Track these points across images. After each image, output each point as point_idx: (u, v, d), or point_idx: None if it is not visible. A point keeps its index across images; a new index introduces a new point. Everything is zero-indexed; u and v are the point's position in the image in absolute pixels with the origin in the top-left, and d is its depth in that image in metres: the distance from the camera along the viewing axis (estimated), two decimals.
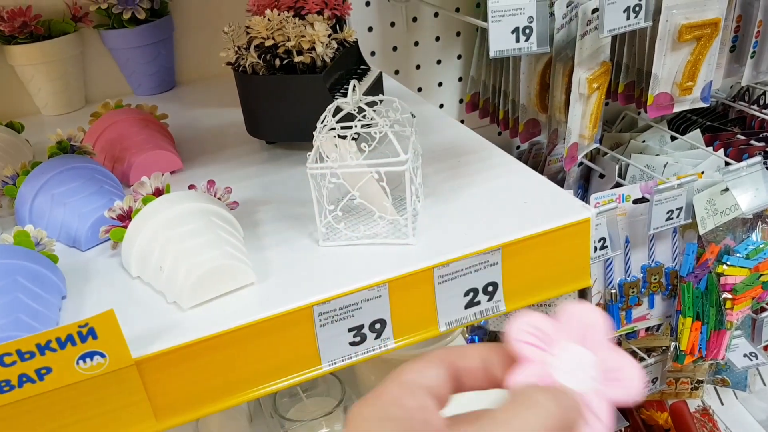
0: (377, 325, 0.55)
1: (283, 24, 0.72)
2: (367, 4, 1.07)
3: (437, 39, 1.14)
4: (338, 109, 0.58)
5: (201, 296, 0.52)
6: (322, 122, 0.57)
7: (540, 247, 0.58)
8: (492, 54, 0.82)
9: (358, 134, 0.58)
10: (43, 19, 0.88)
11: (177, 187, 0.67)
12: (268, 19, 0.72)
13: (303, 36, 0.70)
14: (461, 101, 1.21)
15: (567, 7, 0.94)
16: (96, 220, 0.61)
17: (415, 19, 1.11)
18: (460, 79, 1.19)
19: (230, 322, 0.51)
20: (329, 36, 0.73)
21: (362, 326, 0.55)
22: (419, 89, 1.17)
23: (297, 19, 0.73)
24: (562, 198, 0.62)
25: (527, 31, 0.82)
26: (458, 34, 1.15)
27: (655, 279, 1.12)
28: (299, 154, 0.76)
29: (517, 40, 0.82)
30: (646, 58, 1.01)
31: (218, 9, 0.98)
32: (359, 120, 0.57)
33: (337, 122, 0.58)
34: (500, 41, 0.81)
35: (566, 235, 0.58)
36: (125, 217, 0.58)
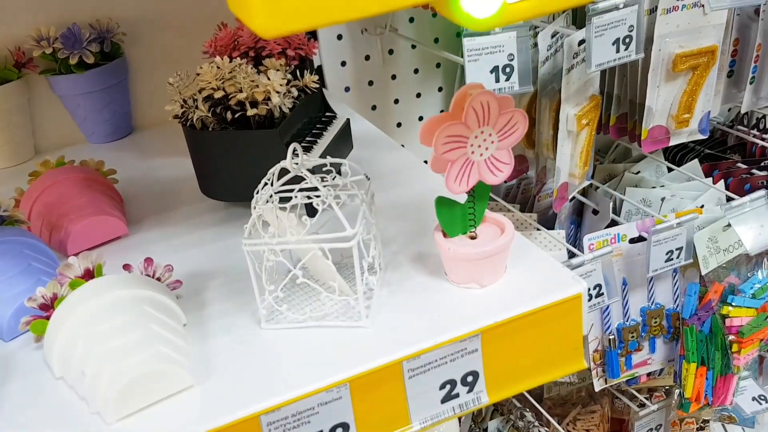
0: (339, 431, 0.47)
1: (234, 73, 0.65)
2: (339, 37, 1.00)
3: (416, 71, 1.07)
4: (285, 171, 0.51)
5: (128, 407, 0.45)
6: (262, 188, 0.50)
7: (525, 329, 0.51)
8: None
9: (308, 202, 0.51)
10: None
11: (117, 259, 0.60)
12: (218, 67, 0.65)
13: (256, 86, 0.63)
14: None
15: (552, 38, 0.87)
16: (18, 308, 0.53)
17: (391, 52, 1.04)
18: (441, 112, 1.12)
19: None
20: (288, 83, 0.66)
21: None
22: (399, 124, 1.10)
23: (250, 67, 0.66)
24: (549, 267, 0.54)
25: (507, 69, 0.75)
26: (438, 65, 1.08)
27: (655, 322, 1.05)
28: None
29: (497, 80, 0.75)
30: (639, 89, 0.94)
31: (176, 49, 0.91)
32: (304, 185, 0.50)
33: (282, 186, 0.51)
34: (479, 82, 0.74)
35: (555, 313, 0.51)
36: (48, 306, 0.51)
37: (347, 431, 0.48)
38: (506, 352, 0.51)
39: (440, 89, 1.10)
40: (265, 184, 0.51)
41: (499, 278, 0.53)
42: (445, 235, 0.53)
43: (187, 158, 0.81)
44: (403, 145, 0.83)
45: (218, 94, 0.63)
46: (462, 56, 0.76)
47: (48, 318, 0.50)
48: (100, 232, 0.64)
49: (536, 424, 1.16)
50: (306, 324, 0.51)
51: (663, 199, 1.09)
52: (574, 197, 1.08)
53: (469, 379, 0.50)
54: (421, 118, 1.11)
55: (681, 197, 1.09)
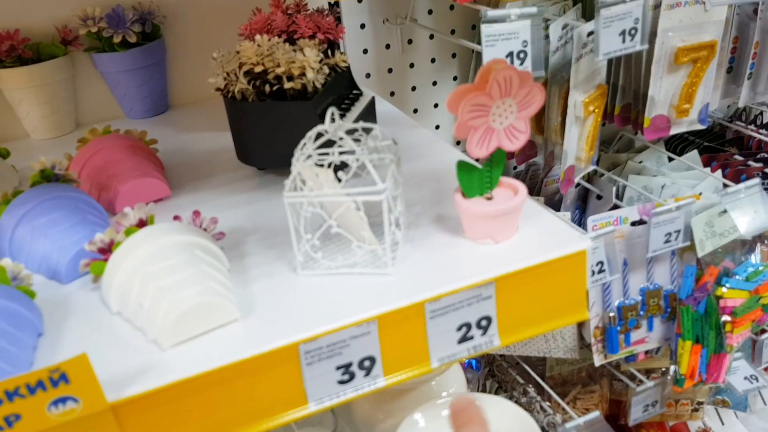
0: (366, 363, 0.53)
1: (273, 50, 0.71)
2: (362, 26, 1.06)
3: (433, 60, 1.13)
4: (319, 135, 0.57)
5: (182, 335, 0.51)
6: (300, 149, 0.56)
7: (535, 280, 0.56)
8: None
9: (342, 162, 0.57)
10: (31, 42, 0.87)
11: (163, 216, 0.66)
12: (258, 45, 0.71)
13: (293, 62, 0.69)
14: None
15: (562, 29, 0.93)
16: (77, 253, 0.59)
17: (410, 41, 1.10)
18: None
19: (213, 362, 0.49)
20: (320, 61, 0.72)
21: (350, 364, 0.53)
22: (415, 110, 1.16)
23: (287, 44, 0.72)
24: (557, 227, 0.60)
25: (522, 55, 0.81)
26: (454, 55, 1.14)
27: (653, 302, 1.10)
28: None
29: (512, 64, 0.81)
30: (642, 81, 1.00)
31: (211, 32, 0.97)
32: (338, 147, 0.56)
33: (317, 149, 0.56)
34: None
35: (562, 267, 0.57)
36: (106, 250, 0.57)
37: (373, 363, 0.54)
38: (517, 300, 0.56)
39: (455, 78, 1.16)
40: (304, 145, 0.57)
41: (512, 235, 0.59)
42: (463, 196, 0.59)
43: (221, 132, 0.88)
44: None
45: (258, 69, 0.69)
46: (480, 44, 0.81)
47: (106, 260, 0.56)
48: (145, 193, 0.70)
49: (538, 399, 1.22)
50: (338, 271, 0.56)
51: (663, 186, 1.14)
52: (579, 183, 1.14)
53: (483, 323, 0.56)
54: (436, 105, 1.17)
55: (680, 185, 1.15)
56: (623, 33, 0.85)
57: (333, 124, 0.57)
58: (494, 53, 0.79)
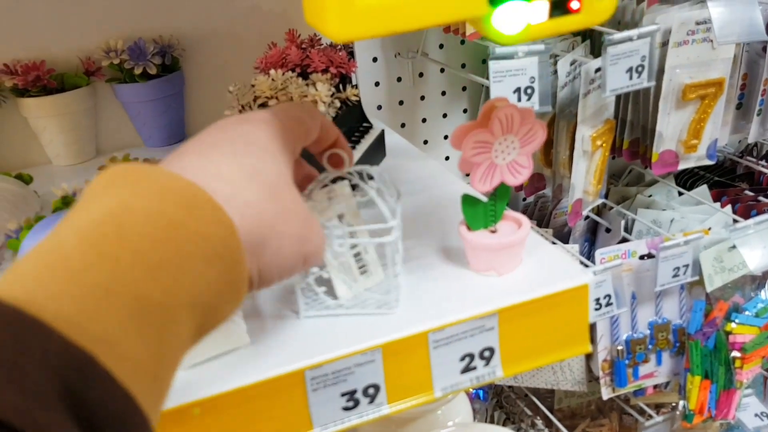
0: (371, 390, 0.54)
1: (286, 84, 0.73)
2: (375, 60, 1.09)
3: (443, 93, 1.16)
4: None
5: (194, 358, 0.52)
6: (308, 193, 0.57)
7: (537, 312, 0.57)
8: None
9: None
10: (56, 73, 0.90)
11: None
12: (273, 79, 0.73)
13: (305, 95, 0.72)
14: None
15: (570, 65, 0.95)
16: None
17: (421, 75, 1.13)
18: None
19: (221, 385, 0.50)
20: (332, 95, 0.74)
21: (355, 391, 0.54)
22: (425, 142, 1.18)
23: (300, 78, 0.74)
24: (560, 260, 0.61)
25: (529, 91, 0.83)
26: (464, 88, 1.17)
27: (662, 336, 1.10)
28: None
29: (519, 100, 0.83)
30: (651, 116, 1.01)
31: (227, 65, 1.00)
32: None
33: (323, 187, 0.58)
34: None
35: (564, 300, 0.58)
36: None
37: (378, 391, 0.55)
38: (520, 332, 0.58)
39: (465, 111, 1.19)
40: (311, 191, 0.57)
41: (516, 267, 0.60)
42: (468, 228, 0.60)
43: None
44: None
45: (272, 102, 0.72)
46: (488, 78, 0.84)
47: None
48: None
49: None
50: (345, 312, 0.56)
51: (672, 221, 1.15)
52: (588, 216, 1.15)
53: (486, 354, 0.57)
54: (446, 137, 1.19)
55: (690, 219, 1.15)
56: (630, 70, 0.87)
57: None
58: (502, 89, 0.82)
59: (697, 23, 0.94)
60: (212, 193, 0.32)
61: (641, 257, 1.04)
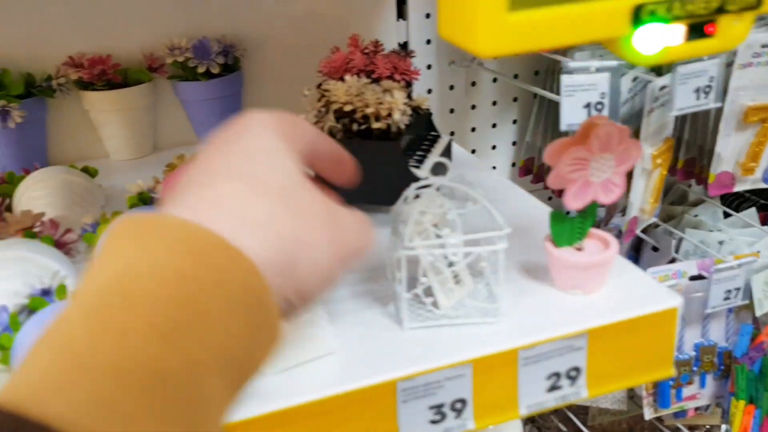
0: (458, 405, 0.54)
1: (362, 90, 0.73)
2: (429, 67, 1.08)
3: (494, 103, 1.15)
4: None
5: (283, 363, 0.52)
6: (404, 200, 0.57)
7: (626, 334, 0.57)
8: (563, 127, 0.82)
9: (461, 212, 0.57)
10: (120, 68, 0.90)
11: None
12: (349, 85, 0.73)
13: (381, 103, 0.71)
14: (513, 165, 1.22)
15: (632, 81, 0.94)
16: None
17: (473, 84, 1.13)
18: (513, 143, 1.20)
19: (312, 393, 0.50)
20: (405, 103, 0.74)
21: (443, 405, 0.54)
22: (473, 151, 1.18)
23: (375, 85, 0.74)
24: (645, 282, 0.61)
25: (599, 106, 0.82)
26: (515, 99, 1.16)
27: (707, 358, 1.09)
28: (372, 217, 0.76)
29: (589, 115, 0.83)
30: (709, 136, 1.00)
31: (286, 67, 1.00)
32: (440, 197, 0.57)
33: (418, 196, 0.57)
34: (572, 115, 0.81)
35: (653, 322, 0.57)
36: None
37: (464, 406, 0.54)
38: (607, 353, 0.57)
39: (515, 121, 1.18)
40: (406, 197, 0.57)
41: (601, 287, 0.60)
42: (554, 244, 0.60)
43: None
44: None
45: (347, 108, 0.71)
46: (546, 89, 0.83)
47: None
48: None
49: None
50: (450, 322, 0.56)
51: (721, 243, 1.14)
52: (636, 234, 1.14)
53: (573, 373, 0.57)
54: (494, 147, 1.19)
55: (738, 242, 1.14)
56: (698, 90, 0.86)
57: (434, 177, 0.57)
58: (572, 103, 0.81)
59: (763, 46, 0.94)
60: (224, 230, 0.28)
61: (691, 278, 1.04)
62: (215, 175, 0.31)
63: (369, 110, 0.71)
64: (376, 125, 0.71)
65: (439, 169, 0.78)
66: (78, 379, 0.23)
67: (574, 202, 0.57)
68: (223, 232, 0.28)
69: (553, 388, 0.56)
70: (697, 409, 1.15)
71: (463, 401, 0.54)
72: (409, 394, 0.52)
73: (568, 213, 0.59)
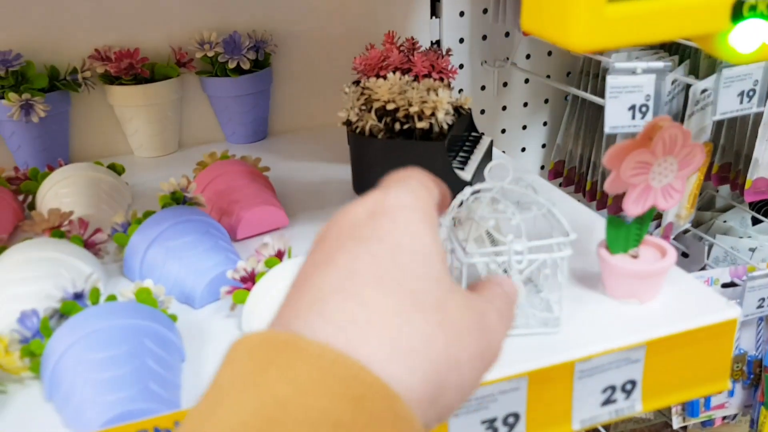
0: (510, 419, 0.52)
1: (404, 88, 0.70)
2: (461, 66, 1.06)
3: (525, 105, 1.13)
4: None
5: None
6: (458, 206, 0.54)
7: (684, 346, 0.54)
8: (607, 130, 0.80)
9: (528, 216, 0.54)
10: (148, 62, 0.87)
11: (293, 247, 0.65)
12: (392, 83, 0.70)
13: (425, 102, 0.69)
14: (542, 167, 1.19)
15: (671, 84, 0.92)
16: (214, 278, 0.59)
17: (505, 84, 1.10)
18: (543, 146, 1.17)
19: None
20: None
21: (495, 419, 0.51)
22: (503, 152, 1.16)
23: (417, 83, 0.72)
24: (701, 292, 0.58)
25: (644, 109, 0.80)
26: (546, 101, 1.14)
27: (737, 367, 1.07)
28: None
29: (633, 117, 0.80)
30: (747, 142, 0.98)
31: (316, 63, 0.97)
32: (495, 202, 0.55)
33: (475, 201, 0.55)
34: (616, 117, 0.79)
35: (711, 334, 0.55)
36: (248, 279, 0.56)
37: (517, 420, 0.52)
38: (664, 365, 0.55)
39: (545, 124, 1.16)
40: (461, 202, 0.54)
41: (656, 296, 0.57)
42: (608, 251, 0.57)
43: (327, 163, 0.88)
44: None
45: (390, 106, 0.69)
46: (580, 89, 0.81)
47: (248, 289, 0.55)
48: (266, 221, 0.70)
49: None
50: (514, 333, 0.54)
51: (753, 250, 1.12)
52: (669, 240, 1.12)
53: (628, 386, 0.54)
54: (524, 149, 1.17)
55: None
56: (741, 94, 0.84)
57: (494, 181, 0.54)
58: (617, 105, 0.79)
59: None
60: (376, 358, 0.24)
61: (723, 285, 1.01)
62: (363, 285, 0.26)
63: (413, 109, 0.69)
64: (419, 125, 0.69)
65: (482, 170, 0.76)
66: None
67: (634, 207, 0.55)
68: (375, 360, 0.24)
69: (608, 401, 0.54)
70: (724, 418, 1.12)
71: (516, 415, 0.52)
72: (460, 409, 0.50)
73: (623, 217, 0.57)
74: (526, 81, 1.11)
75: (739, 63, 0.39)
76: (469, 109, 0.76)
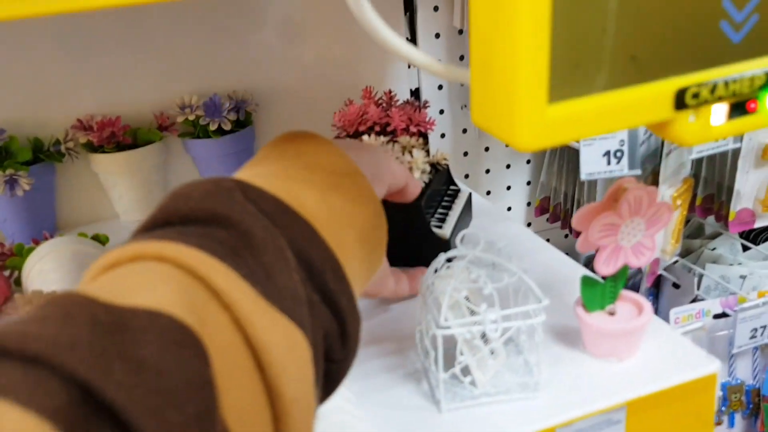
0: None
1: None
2: (441, 112, 1.07)
3: (507, 145, 1.14)
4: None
5: None
6: (434, 274, 0.55)
7: (664, 403, 0.55)
8: (583, 177, 0.80)
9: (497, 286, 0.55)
10: (130, 129, 0.89)
11: None
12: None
13: (401, 163, 0.70)
14: (529, 204, 1.20)
15: None
16: None
17: None
18: (528, 183, 1.18)
19: None
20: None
21: None
22: (488, 192, 1.17)
23: (394, 145, 0.73)
24: (680, 346, 0.59)
25: (618, 154, 0.81)
26: None
27: (735, 397, 1.07)
28: None
29: (609, 163, 0.81)
30: (728, 174, 0.99)
31: (298, 120, 0.99)
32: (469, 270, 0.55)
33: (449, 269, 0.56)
34: (592, 165, 0.80)
35: (693, 389, 0.55)
36: None
37: None
38: (645, 424, 0.55)
39: (528, 161, 1.17)
40: (435, 270, 0.55)
41: (636, 353, 0.58)
42: (585, 309, 0.58)
43: None
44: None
45: None
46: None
47: None
48: None
49: None
50: (490, 400, 0.54)
51: (743, 278, 1.12)
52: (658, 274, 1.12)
53: None
54: (509, 188, 1.17)
55: (760, 275, 1.12)
56: None
57: (473, 250, 0.55)
58: (592, 152, 0.80)
59: None
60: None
61: (715, 316, 1.02)
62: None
63: None
64: None
65: (462, 224, 0.76)
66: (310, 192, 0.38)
67: (605, 268, 0.55)
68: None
69: None
70: None
71: None
72: None
73: (603, 277, 0.57)
74: None
75: (689, 146, 0.40)
76: (446, 164, 0.77)
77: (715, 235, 1.24)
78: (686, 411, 0.56)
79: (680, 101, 0.36)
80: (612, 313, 0.58)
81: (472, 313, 0.53)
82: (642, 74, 0.36)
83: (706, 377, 0.55)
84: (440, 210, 0.75)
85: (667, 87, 0.36)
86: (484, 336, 0.54)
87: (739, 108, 0.39)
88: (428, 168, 0.73)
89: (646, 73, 0.36)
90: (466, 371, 0.53)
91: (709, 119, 0.38)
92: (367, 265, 0.41)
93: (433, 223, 0.72)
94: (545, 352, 0.59)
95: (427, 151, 0.77)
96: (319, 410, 0.50)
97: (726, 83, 0.37)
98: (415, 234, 0.68)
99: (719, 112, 0.38)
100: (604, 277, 0.57)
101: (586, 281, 0.57)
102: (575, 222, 0.55)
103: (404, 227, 0.68)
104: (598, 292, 0.58)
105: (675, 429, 0.56)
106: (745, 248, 1.20)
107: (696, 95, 0.37)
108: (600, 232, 0.54)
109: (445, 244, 0.69)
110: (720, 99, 0.37)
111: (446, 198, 0.78)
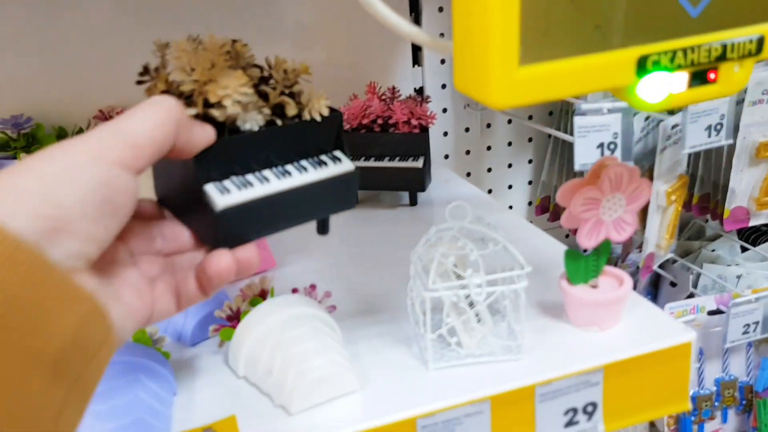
0: None
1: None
2: (444, 110, 1.11)
3: (509, 144, 1.18)
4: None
5: (309, 402, 0.53)
6: (424, 244, 0.59)
7: (641, 369, 0.58)
8: (577, 167, 0.84)
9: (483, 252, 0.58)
10: None
11: (277, 287, 0.69)
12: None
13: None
14: (530, 203, 1.23)
15: (645, 120, 0.96)
16: (203, 318, 0.63)
17: (488, 125, 1.16)
18: (530, 183, 1.22)
19: (335, 429, 0.51)
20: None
21: None
22: (489, 191, 1.20)
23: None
24: (659, 318, 0.62)
25: (612, 146, 0.84)
26: (530, 139, 1.19)
27: (729, 393, 1.09)
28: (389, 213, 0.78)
29: (602, 155, 0.85)
30: (723, 172, 1.02)
31: None
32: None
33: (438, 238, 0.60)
34: (585, 155, 0.84)
35: (667, 357, 0.58)
36: (234, 318, 0.61)
37: None
38: (623, 388, 0.58)
39: (530, 161, 1.21)
40: (427, 240, 0.59)
41: (616, 323, 0.61)
42: (569, 282, 0.61)
43: None
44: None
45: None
46: (560, 130, 0.86)
47: (233, 327, 0.60)
48: None
49: None
50: (475, 360, 0.57)
51: (739, 277, 1.15)
52: (653, 270, 1.15)
53: (589, 408, 0.58)
54: (510, 187, 1.21)
55: (756, 275, 1.14)
56: (709, 128, 0.89)
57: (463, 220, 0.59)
58: (586, 144, 0.83)
59: None
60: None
61: (710, 313, 1.04)
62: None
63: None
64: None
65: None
66: None
67: (587, 240, 0.59)
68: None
69: (571, 423, 0.57)
70: None
71: None
72: (429, 431, 0.53)
73: (584, 251, 0.61)
74: (509, 122, 1.16)
75: (649, 111, 0.44)
76: (326, 114, 0.47)
77: (715, 237, 1.27)
78: (662, 376, 0.59)
79: (642, 68, 0.40)
80: (594, 287, 0.62)
81: (459, 278, 0.56)
82: (606, 42, 0.40)
83: (682, 345, 0.58)
84: (278, 170, 0.43)
85: (630, 55, 0.40)
86: (470, 301, 0.57)
87: (699, 77, 0.42)
88: (261, 105, 0.42)
89: (609, 41, 0.40)
90: (452, 333, 0.57)
91: (671, 86, 0.42)
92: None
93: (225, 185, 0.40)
94: (531, 323, 0.62)
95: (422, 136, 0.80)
96: (310, 361, 0.53)
97: (684, 52, 0.41)
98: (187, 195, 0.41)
99: (680, 80, 0.42)
100: (585, 250, 0.61)
101: (570, 255, 0.61)
102: (559, 196, 0.58)
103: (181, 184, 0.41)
104: (581, 266, 0.61)
105: (651, 392, 0.59)
106: (744, 250, 1.22)
107: (657, 63, 0.40)
108: (582, 205, 0.57)
109: (224, 219, 0.39)
110: (680, 67, 0.41)
111: (312, 160, 0.46)
